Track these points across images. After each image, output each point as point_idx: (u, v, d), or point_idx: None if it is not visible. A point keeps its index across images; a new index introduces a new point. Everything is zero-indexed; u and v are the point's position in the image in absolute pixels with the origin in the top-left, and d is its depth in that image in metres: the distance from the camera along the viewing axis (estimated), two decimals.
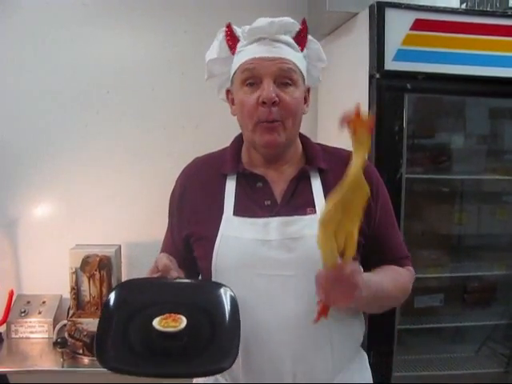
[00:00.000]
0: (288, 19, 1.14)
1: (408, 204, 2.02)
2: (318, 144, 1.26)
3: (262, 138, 1.13)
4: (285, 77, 1.11)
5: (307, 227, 1.11)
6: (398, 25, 1.90)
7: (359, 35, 2.04)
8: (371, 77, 1.95)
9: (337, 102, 2.33)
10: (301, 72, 1.15)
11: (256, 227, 1.13)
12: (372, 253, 1.18)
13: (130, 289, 1.07)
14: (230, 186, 1.18)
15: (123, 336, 0.98)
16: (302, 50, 1.16)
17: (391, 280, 1.17)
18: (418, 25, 1.90)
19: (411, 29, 1.90)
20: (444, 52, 1.94)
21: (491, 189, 2.51)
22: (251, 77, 1.11)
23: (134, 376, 0.92)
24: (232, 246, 1.12)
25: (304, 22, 1.16)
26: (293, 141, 1.19)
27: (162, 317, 0.98)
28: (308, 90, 1.21)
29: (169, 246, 1.24)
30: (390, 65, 1.91)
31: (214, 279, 1.14)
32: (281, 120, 1.11)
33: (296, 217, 1.12)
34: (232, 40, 1.16)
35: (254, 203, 1.16)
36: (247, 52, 1.13)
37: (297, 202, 1.15)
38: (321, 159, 1.20)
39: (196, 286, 1.11)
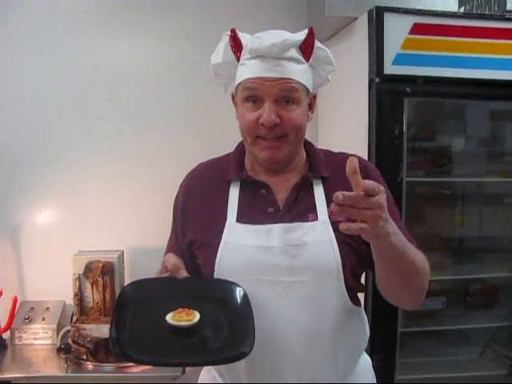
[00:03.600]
0: (290, 38, 1.11)
1: (410, 207, 2.03)
2: (322, 150, 1.26)
3: (261, 153, 1.14)
4: (286, 96, 1.10)
5: (309, 234, 1.11)
6: (396, 29, 1.91)
7: (358, 40, 2.05)
8: (371, 81, 1.96)
9: (337, 106, 2.34)
10: (304, 86, 1.14)
11: (258, 234, 1.13)
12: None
13: (141, 287, 1.08)
14: (234, 193, 1.19)
15: (138, 332, 0.99)
16: (307, 61, 1.14)
17: (413, 251, 1.07)
18: (417, 29, 1.91)
19: (410, 33, 1.91)
20: (443, 56, 1.95)
21: (492, 191, 2.51)
22: (253, 96, 1.11)
23: (156, 366, 0.94)
24: (234, 252, 1.13)
25: (310, 33, 1.13)
26: (296, 152, 1.19)
27: (175, 312, 1.00)
28: (314, 97, 1.21)
29: (172, 250, 1.24)
30: (390, 69, 1.92)
31: None
32: (283, 135, 1.11)
33: (298, 223, 1.12)
34: (236, 46, 1.15)
35: (257, 210, 1.16)
36: (250, 68, 1.12)
37: (299, 208, 1.15)
38: (323, 167, 1.19)
39: (206, 282, 1.12)
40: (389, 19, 1.90)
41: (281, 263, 1.11)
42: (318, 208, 1.14)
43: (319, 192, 1.16)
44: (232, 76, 1.18)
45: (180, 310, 1.01)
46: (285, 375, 1.12)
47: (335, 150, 1.29)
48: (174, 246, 1.26)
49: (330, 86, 2.48)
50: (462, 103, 2.32)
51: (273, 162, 1.15)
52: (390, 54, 1.92)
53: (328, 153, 1.26)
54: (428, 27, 1.92)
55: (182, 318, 0.99)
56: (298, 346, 1.11)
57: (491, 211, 2.48)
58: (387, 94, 1.95)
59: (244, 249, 1.12)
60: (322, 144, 2.42)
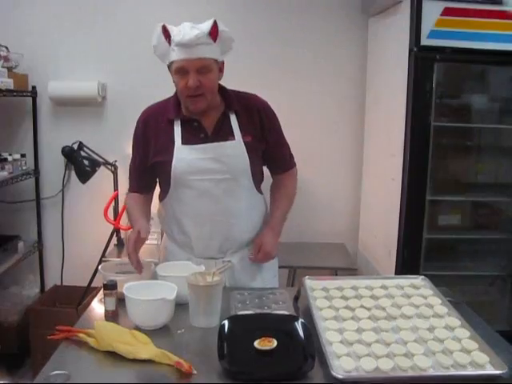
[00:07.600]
0: (200, 32, 1.49)
1: (436, 147, 2.47)
2: (232, 91, 1.71)
3: (190, 106, 1.59)
4: (203, 67, 1.53)
5: (229, 148, 1.63)
6: (431, 11, 2.34)
7: (401, 18, 2.48)
8: (410, 50, 2.40)
9: (382, 68, 2.77)
10: (214, 59, 1.56)
11: (198, 151, 1.62)
12: (269, 162, 1.77)
13: (236, 321, 1.38)
14: (177, 126, 1.65)
15: (239, 355, 1.24)
16: (215, 42, 1.54)
17: (286, 200, 1.80)
18: (447, 12, 2.35)
19: (441, 14, 2.35)
20: (467, 32, 2.38)
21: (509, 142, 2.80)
22: (181, 70, 1.54)
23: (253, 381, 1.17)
24: (183, 163, 1.61)
25: (214, 25, 1.52)
26: (213, 100, 1.62)
27: (259, 340, 1.26)
28: (222, 62, 1.64)
29: (134, 172, 1.77)
30: (425, 41, 2.37)
31: (172, 184, 1.65)
32: (202, 93, 1.56)
33: (222, 142, 1.63)
34: (166, 35, 1.55)
35: (194, 136, 1.63)
36: (176, 53, 1.53)
37: (222, 133, 1.64)
38: (235, 104, 1.66)
39: (277, 317, 1.42)
40: (426, 4, 2.34)
41: (212, 166, 1.61)
42: (234, 132, 1.64)
43: (234, 121, 1.66)
44: (166, 52, 1.58)
45: (263, 338, 1.26)
46: (210, 237, 1.71)
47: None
48: (136, 168, 1.75)
49: (378, 53, 2.94)
50: (485, 68, 2.66)
51: (197, 111, 1.61)
52: (425, 30, 2.35)
53: (236, 93, 1.72)
54: (455, 10, 2.35)
55: (265, 344, 1.25)
56: (222, 221, 1.68)
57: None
58: (422, 60, 2.39)
59: (188, 160, 1.61)
60: (370, 96, 2.92)
